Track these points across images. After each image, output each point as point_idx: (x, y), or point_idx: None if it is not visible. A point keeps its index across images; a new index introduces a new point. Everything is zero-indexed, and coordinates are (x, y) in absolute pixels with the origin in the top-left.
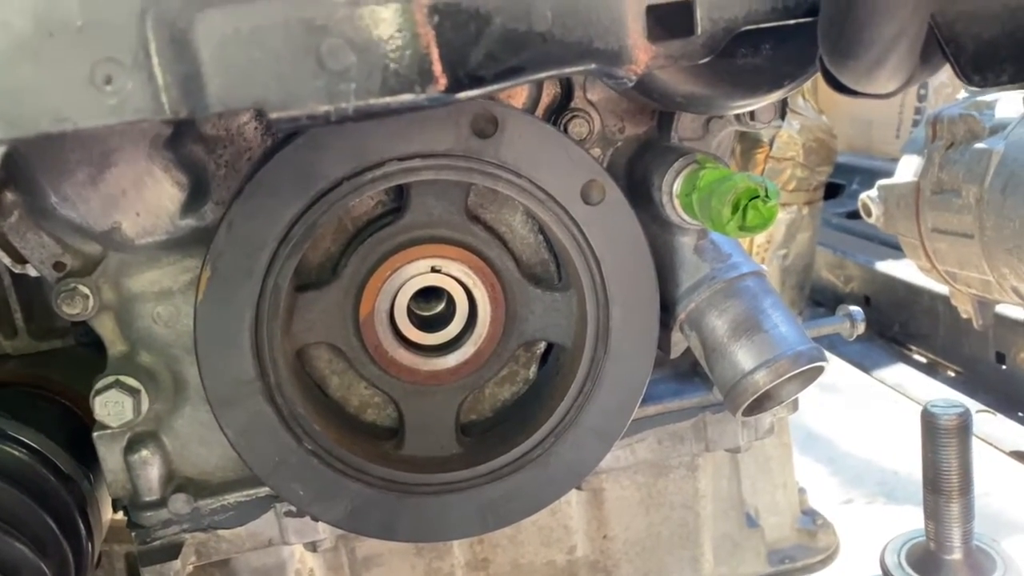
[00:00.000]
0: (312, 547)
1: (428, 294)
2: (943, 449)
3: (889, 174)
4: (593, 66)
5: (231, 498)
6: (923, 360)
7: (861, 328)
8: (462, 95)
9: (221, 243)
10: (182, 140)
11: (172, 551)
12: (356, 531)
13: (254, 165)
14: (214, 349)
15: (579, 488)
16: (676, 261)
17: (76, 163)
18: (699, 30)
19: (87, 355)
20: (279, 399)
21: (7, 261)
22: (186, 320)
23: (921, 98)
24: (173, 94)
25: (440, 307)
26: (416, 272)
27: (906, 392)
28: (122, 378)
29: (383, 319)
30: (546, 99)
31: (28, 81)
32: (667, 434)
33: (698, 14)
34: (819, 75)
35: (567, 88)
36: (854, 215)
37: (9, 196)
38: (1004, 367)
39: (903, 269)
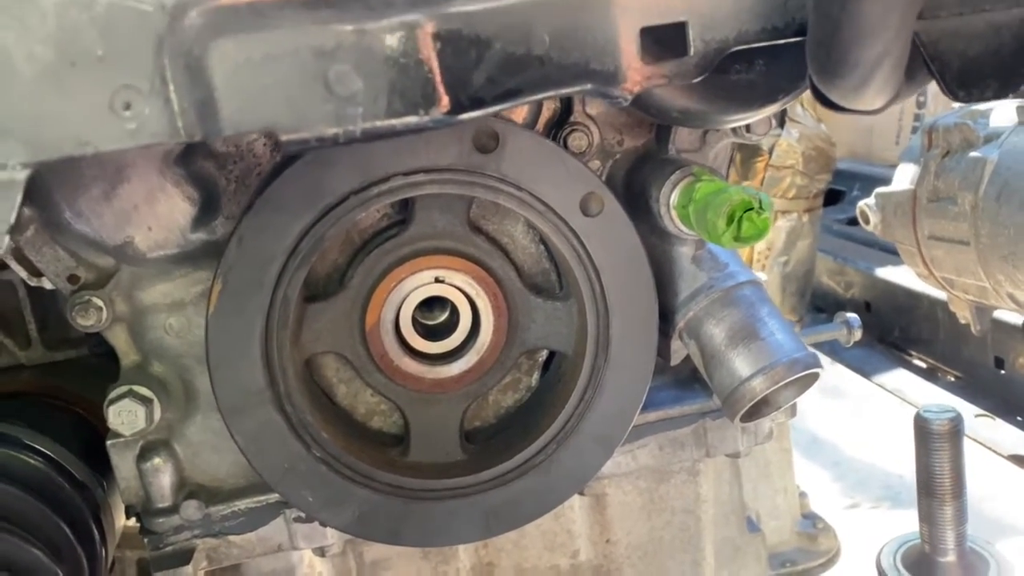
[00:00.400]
0: (321, 552)
1: (432, 303)
2: (936, 453)
3: (889, 181)
4: (589, 86)
5: (241, 504)
6: (923, 365)
7: (858, 335)
8: (464, 117)
9: (232, 257)
10: (193, 156)
11: (184, 557)
12: (363, 536)
13: (263, 180)
14: (225, 359)
15: (582, 493)
16: (674, 271)
17: (90, 179)
18: (692, 51)
19: (100, 365)
20: (288, 407)
21: (23, 274)
22: (197, 331)
23: (920, 105)
24: (188, 118)
25: (444, 316)
26: (420, 283)
27: (906, 397)
28: (135, 388)
29: (389, 329)
30: (546, 113)
31: (52, 108)
32: (668, 440)
33: (690, 35)
34: None
35: (567, 103)
36: (854, 222)
37: (25, 211)
38: (1003, 372)
39: (903, 275)
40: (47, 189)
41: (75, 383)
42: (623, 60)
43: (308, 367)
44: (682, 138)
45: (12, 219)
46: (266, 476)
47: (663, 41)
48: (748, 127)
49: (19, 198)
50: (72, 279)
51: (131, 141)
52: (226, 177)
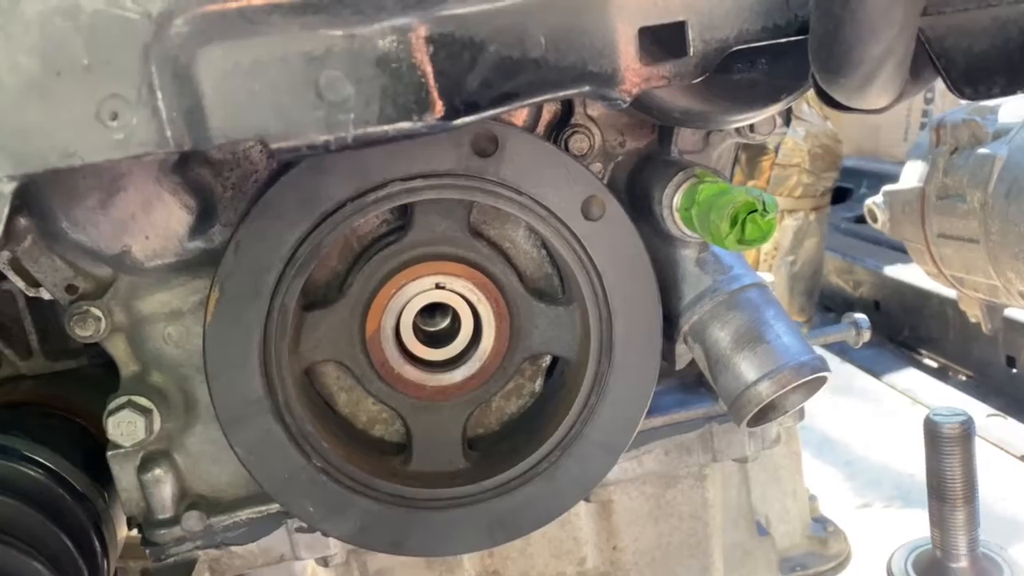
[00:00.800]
0: (324, 562)
1: (434, 309)
2: (947, 457)
3: (897, 177)
4: (587, 89)
5: (243, 515)
6: (934, 364)
7: (866, 336)
8: (459, 122)
9: (229, 265)
10: (189, 164)
11: (186, 568)
12: (366, 546)
13: (260, 187)
14: (223, 369)
15: (587, 500)
16: (678, 274)
17: (86, 188)
18: (691, 51)
19: (101, 375)
20: (288, 417)
21: (21, 285)
22: (196, 340)
23: (928, 101)
24: (177, 128)
25: (446, 322)
26: (421, 289)
27: (916, 397)
28: (134, 398)
29: (389, 336)
30: (547, 115)
31: (37, 119)
32: (674, 445)
33: (690, 35)
34: None
35: (568, 104)
36: (863, 219)
37: (22, 221)
38: (1015, 371)
39: (912, 273)
40: (43, 199)
41: (76, 393)
42: (621, 61)
43: (308, 376)
44: (685, 139)
45: (0, 231)
46: (266, 486)
47: (662, 41)
48: (752, 127)
49: (6, 211)
50: (70, 289)
51: (119, 152)
52: (222, 184)
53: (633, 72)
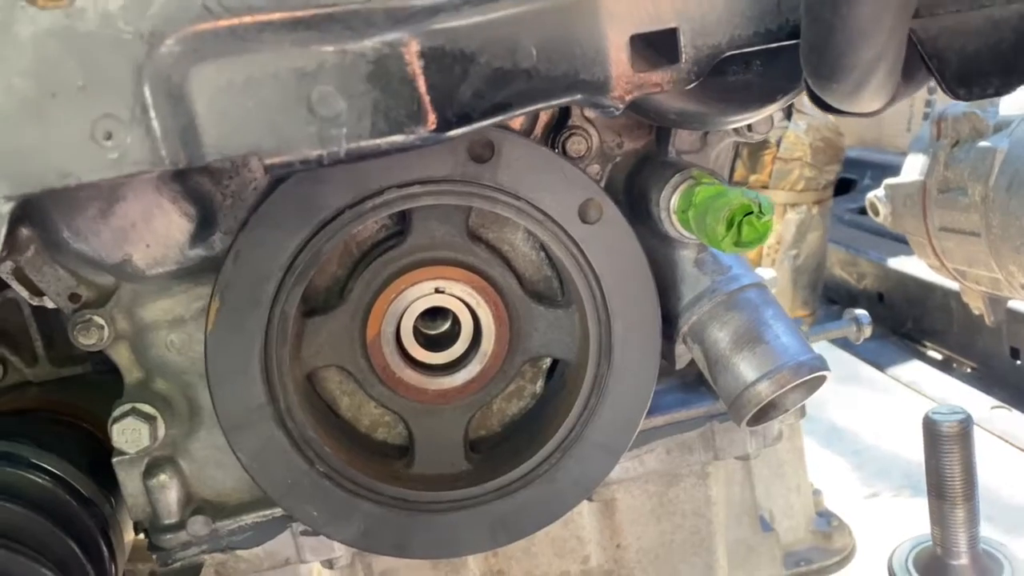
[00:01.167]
0: (329, 564)
1: (435, 312)
2: (946, 456)
3: (900, 168)
4: (579, 97)
5: (248, 519)
6: (938, 356)
7: (867, 332)
8: (452, 134)
9: (228, 274)
10: (189, 172)
11: (192, 572)
12: (370, 550)
13: (260, 195)
14: (225, 377)
15: (590, 499)
16: (677, 275)
17: (87, 199)
18: (683, 58)
19: (107, 380)
20: (290, 423)
21: (25, 294)
22: (199, 347)
23: (932, 91)
24: (171, 146)
25: (446, 325)
26: (420, 294)
27: (921, 390)
28: (138, 406)
29: (390, 340)
30: (544, 118)
31: (33, 140)
32: (675, 444)
33: (682, 41)
34: None
35: (565, 107)
36: (866, 211)
37: (24, 232)
38: (1019, 362)
39: (916, 266)
40: (44, 210)
41: (82, 399)
42: (613, 69)
43: (310, 381)
44: (683, 139)
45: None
46: (270, 492)
47: (654, 48)
48: (750, 126)
49: (4, 230)
50: (73, 298)
51: (114, 171)
52: (222, 192)
53: (625, 79)
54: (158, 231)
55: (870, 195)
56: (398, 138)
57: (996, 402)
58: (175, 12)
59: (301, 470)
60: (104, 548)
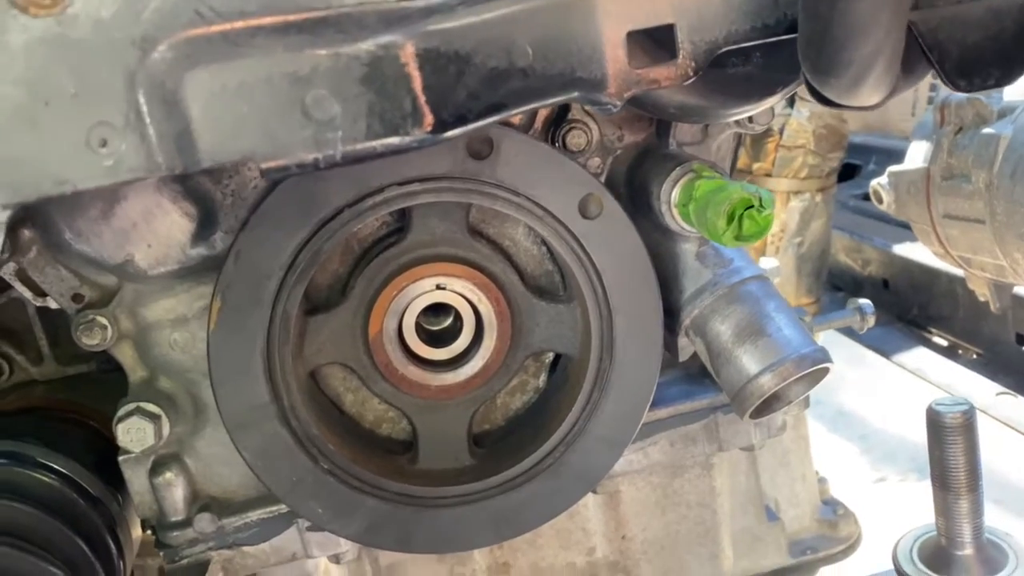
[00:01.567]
0: (336, 559)
1: (437, 308)
2: (949, 447)
3: (905, 154)
4: (576, 95)
5: (254, 515)
6: (943, 343)
7: (871, 321)
8: (448, 134)
9: (229, 274)
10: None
11: (199, 569)
12: (375, 545)
13: (260, 194)
14: (228, 376)
15: (595, 491)
16: (679, 268)
17: (88, 200)
18: (681, 53)
19: (112, 378)
20: (293, 421)
21: (28, 295)
22: (202, 345)
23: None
24: (166, 152)
25: (448, 321)
26: (422, 291)
27: (927, 376)
28: (143, 404)
29: (392, 337)
30: (544, 112)
31: (28, 148)
32: (679, 436)
33: (679, 37)
34: None
35: None
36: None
37: (26, 233)
38: None
39: (921, 252)
40: (46, 211)
41: (88, 397)
42: (610, 66)
43: (314, 377)
44: (683, 132)
45: None
46: (275, 490)
47: (651, 44)
48: (750, 118)
49: (2, 235)
50: (76, 298)
51: (110, 178)
52: (222, 191)
53: (623, 76)
54: (159, 231)
55: (874, 183)
56: (394, 140)
57: (1002, 388)
58: (167, 18)
59: (305, 467)
60: (112, 546)
